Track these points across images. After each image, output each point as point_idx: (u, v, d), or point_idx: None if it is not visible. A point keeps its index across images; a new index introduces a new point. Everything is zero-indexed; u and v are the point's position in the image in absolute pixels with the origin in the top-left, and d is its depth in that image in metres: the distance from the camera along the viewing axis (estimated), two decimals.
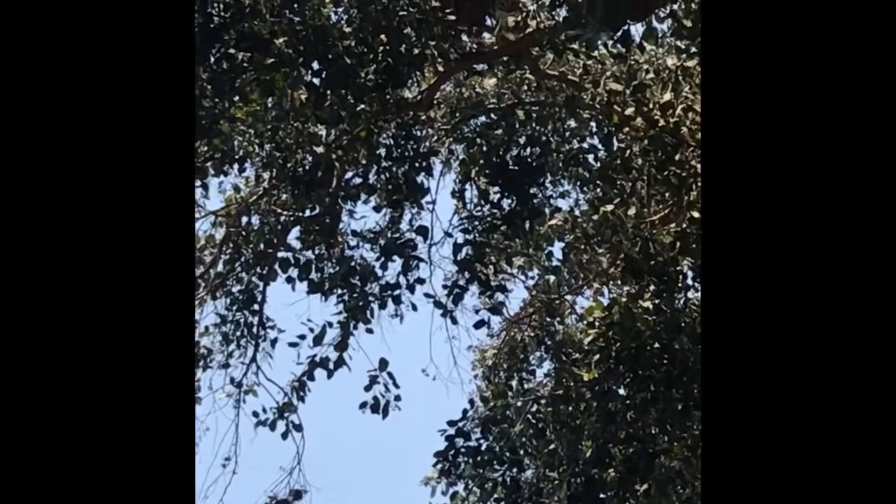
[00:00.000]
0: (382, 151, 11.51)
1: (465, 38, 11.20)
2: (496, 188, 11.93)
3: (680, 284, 11.07)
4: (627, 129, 11.11)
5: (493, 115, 12.23)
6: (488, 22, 10.98)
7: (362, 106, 10.26)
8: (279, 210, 12.07)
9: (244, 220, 12.39)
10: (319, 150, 11.01)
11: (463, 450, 11.78)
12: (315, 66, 10.10)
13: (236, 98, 10.05)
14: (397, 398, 11.74)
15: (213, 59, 9.62)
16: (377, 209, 12.04)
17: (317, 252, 11.82)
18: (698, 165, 10.74)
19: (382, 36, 9.97)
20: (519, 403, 11.86)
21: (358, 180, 11.71)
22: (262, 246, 12.22)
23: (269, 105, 10.61)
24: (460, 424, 11.81)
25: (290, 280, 11.78)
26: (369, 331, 11.72)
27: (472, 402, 12.31)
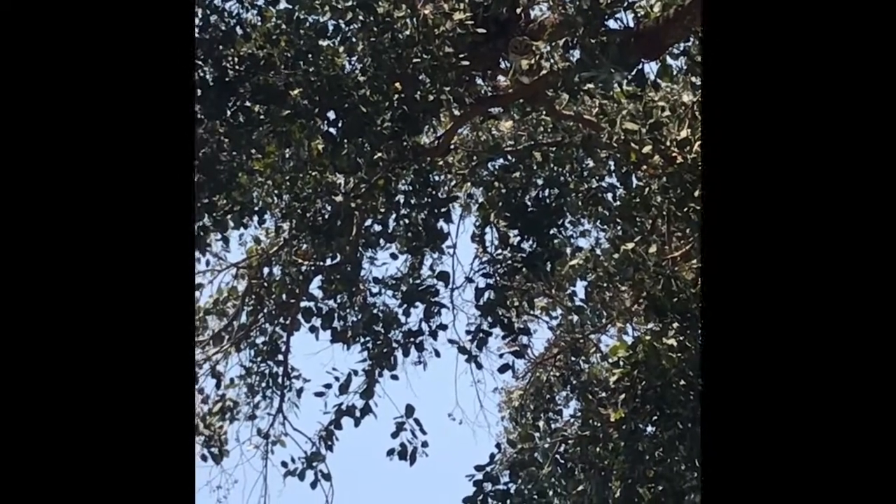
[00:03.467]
0: (401, 198, 11.57)
1: (479, 82, 11.22)
2: (516, 231, 11.91)
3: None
4: (645, 167, 11.13)
5: (510, 158, 12.25)
6: (502, 65, 11.00)
7: (379, 154, 10.35)
8: (300, 260, 12.11)
9: (265, 271, 12.47)
10: (338, 198, 11.08)
11: (492, 494, 11.68)
12: (331, 115, 10.17)
13: (253, 150, 10.14)
14: (424, 444, 11.74)
15: (229, 113, 9.76)
16: (394, 256, 12.13)
17: (339, 301, 11.89)
18: None
19: (397, 84, 10.06)
20: (546, 445, 11.80)
21: (377, 228, 11.75)
22: (284, 296, 12.29)
23: (287, 156, 10.74)
24: (488, 469, 11.72)
25: (313, 329, 11.81)
26: (394, 377, 11.74)
27: (499, 445, 12.20)
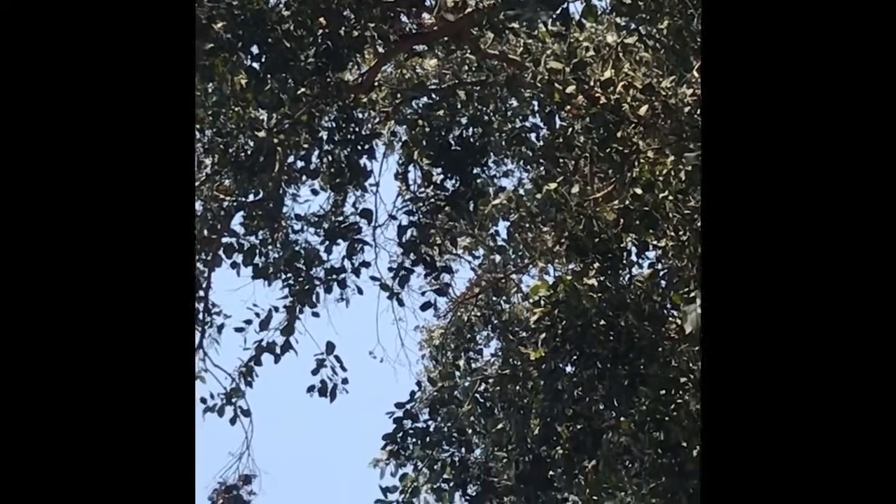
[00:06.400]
0: (324, 135, 11.51)
1: (404, 19, 11.22)
2: (439, 169, 11.98)
3: (624, 261, 11.09)
4: (569, 107, 11.15)
5: (434, 96, 12.30)
6: (427, 2, 11.00)
7: (303, 90, 10.34)
8: (222, 196, 12.04)
9: None
10: (261, 134, 11.00)
11: (411, 431, 11.83)
12: (254, 50, 10.13)
13: None
14: (345, 381, 11.94)
15: None
16: (314, 192, 12.14)
17: (261, 237, 11.88)
18: (640, 142, 10.92)
19: (322, 19, 10.05)
20: (466, 383, 11.95)
21: (300, 164, 11.74)
22: (205, 232, 12.15)
23: (209, 91, 10.64)
24: (408, 406, 11.86)
25: (234, 265, 11.82)
26: (315, 314, 11.84)
27: (419, 383, 12.35)
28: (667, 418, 10.63)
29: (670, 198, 10.54)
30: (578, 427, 10.90)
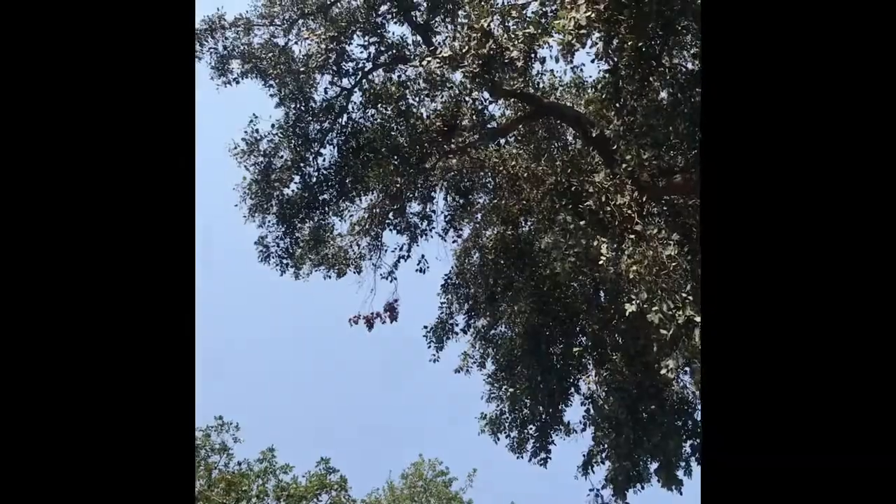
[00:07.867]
0: (419, 185, 14.09)
1: (445, 147, 13.26)
2: (456, 196, 14.83)
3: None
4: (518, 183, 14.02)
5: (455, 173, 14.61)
6: (452, 139, 13.10)
7: (411, 169, 12.92)
8: (388, 203, 14.13)
9: (374, 210, 14.60)
10: (398, 185, 13.46)
11: (452, 284, 15.06)
12: (395, 157, 12.64)
13: (370, 169, 13.38)
14: (428, 266, 14.61)
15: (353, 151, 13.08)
16: (416, 204, 14.40)
17: (395, 221, 14.62)
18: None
19: (417, 146, 12.52)
20: (474, 269, 14.88)
21: (412, 195, 14.10)
22: (374, 221, 14.91)
23: (380, 171, 13.00)
24: (450, 275, 15.24)
25: (388, 228, 14.70)
26: (417, 245, 14.76)
27: (452, 266, 15.17)
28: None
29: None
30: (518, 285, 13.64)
